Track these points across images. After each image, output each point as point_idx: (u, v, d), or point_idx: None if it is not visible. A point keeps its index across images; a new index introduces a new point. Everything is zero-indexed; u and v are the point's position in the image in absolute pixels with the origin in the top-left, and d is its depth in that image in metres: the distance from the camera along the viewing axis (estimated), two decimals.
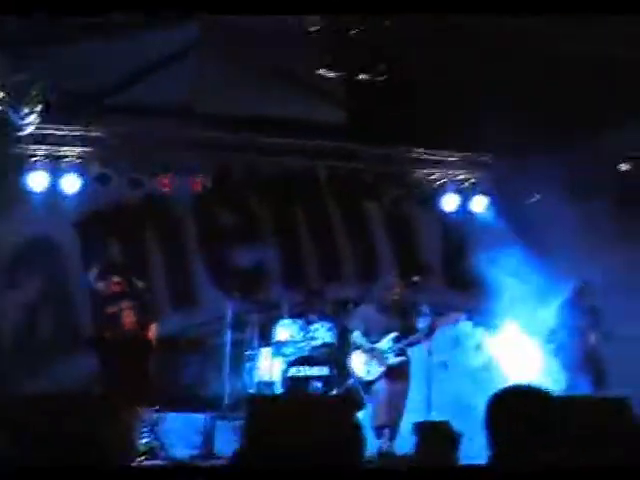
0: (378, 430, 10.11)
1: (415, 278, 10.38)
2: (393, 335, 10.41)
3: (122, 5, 8.15)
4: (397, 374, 10.32)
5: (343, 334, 12.05)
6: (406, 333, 10.41)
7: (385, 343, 10.42)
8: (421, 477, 3.42)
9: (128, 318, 9.68)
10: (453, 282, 13.15)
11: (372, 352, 10.42)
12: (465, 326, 11.43)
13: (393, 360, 10.35)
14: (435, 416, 9.94)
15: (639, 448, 8.23)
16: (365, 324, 10.56)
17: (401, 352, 10.39)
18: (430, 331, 10.25)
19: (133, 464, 7.97)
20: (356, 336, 10.60)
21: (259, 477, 3.61)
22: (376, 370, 10.36)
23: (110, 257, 10.94)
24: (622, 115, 10.19)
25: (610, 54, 9.19)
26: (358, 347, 10.55)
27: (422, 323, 10.39)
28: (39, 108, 9.83)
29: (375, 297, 10.76)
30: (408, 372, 10.38)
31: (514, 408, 3.44)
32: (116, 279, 9.80)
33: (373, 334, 10.51)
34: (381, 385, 10.27)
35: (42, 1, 7.84)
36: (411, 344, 10.41)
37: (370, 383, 10.37)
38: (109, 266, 10.11)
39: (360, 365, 10.49)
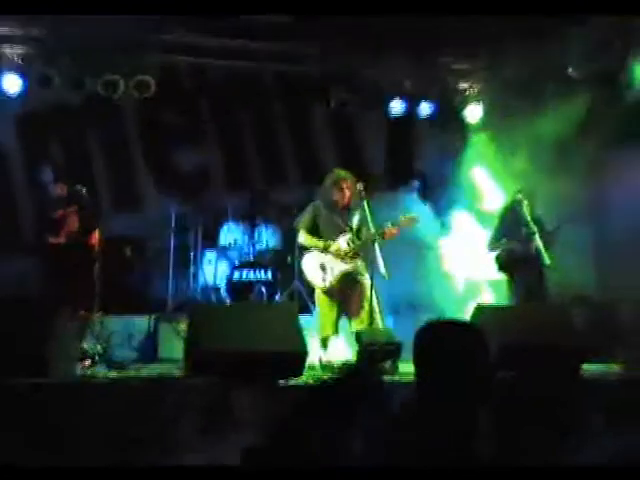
0: (324, 340, 9.58)
1: (359, 185, 9.85)
2: (347, 236, 9.67)
3: None
4: (352, 281, 9.57)
5: (287, 238, 12.12)
6: (359, 234, 9.64)
7: (339, 244, 9.65)
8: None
9: (72, 223, 9.65)
10: (398, 186, 13.08)
11: (325, 255, 9.65)
12: (421, 228, 11.10)
13: (348, 264, 9.61)
14: (384, 322, 9.83)
15: (579, 354, 8.42)
16: (312, 223, 9.81)
17: (355, 255, 9.63)
18: (384, 234, 9.38)
19: (78, 370, 8.08)
20: (303, 237, 9.85)
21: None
22: (331, 276, 9.56)
23: (55, 161, 10.74)
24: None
25: None
26: (308, 249, 9.81)
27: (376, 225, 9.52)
28: None
29: (321, 195, 9.90)
30: (363, 278, 9.54)
31: (435, 350, 3.37)
32: (61, 184, 9.73)
33: (324, 234, 9.77)
34: (334, 292, 9.58)
35: None
36: (365, 245, 9.54)
37: (324, 291, 9.60)
38: (54, 169, 9.99)
39: (314, 270, 9.69)
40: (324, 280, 9.58)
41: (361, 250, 9.66)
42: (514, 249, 10.43)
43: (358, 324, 9.40)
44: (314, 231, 9.81)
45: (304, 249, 9.92)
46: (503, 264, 10.65)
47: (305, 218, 9.88)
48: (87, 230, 9.49)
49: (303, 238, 9.85)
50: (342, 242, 9.66)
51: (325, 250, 9.65)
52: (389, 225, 9.48)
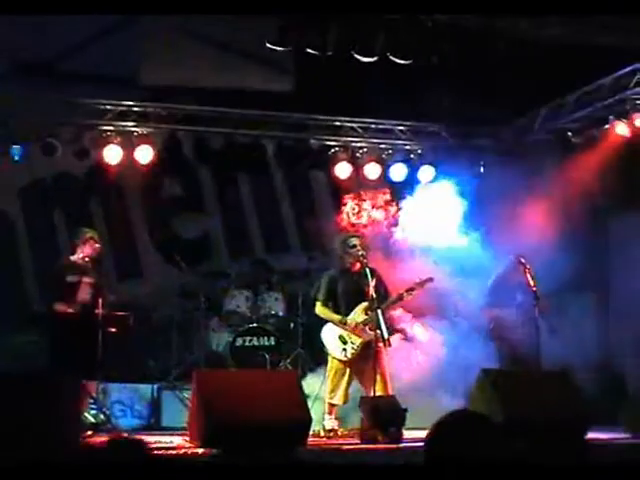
0: (332, 406, 9.51)
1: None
2: (364, 305, 9.51)
3: None
4: (369, 351, 9.25)
5: (290, 304, 12.13)
6: (379, 301, 9.30)
7: (358, 315, 9.54)
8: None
9: (84, 293, 9.69)
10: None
11: (345, 327, 9.53)
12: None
13: (366, 334, 9.42)
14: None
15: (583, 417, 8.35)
16: (329, 293, 9.71)
17: (377, 325, 9.18)
18: (400, 297, 9.52)
19: (81, 438, 8.03)
20: (320, 309, 9.75)
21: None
22: (351, 348, 9.47)
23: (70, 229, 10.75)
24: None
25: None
26: (328, 321, 9.66)
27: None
28: None
29: (336, 260, 9.92)
30: (382, 348, 9.31)
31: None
32: (78, 252, 9.83)
33: (342, 301, 9.68)
34: (350, 362, 9.48)
35: None
36: (384, 312, 9.29)
37: (343, 362, 9.49)
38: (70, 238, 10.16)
39: (334, 343, 9.56)
40: (344, 351, 9.50)
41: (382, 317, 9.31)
42: (506, 316, 10.42)
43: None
44: (332, 299, 9.72)
45: (324, 321, 9.75)
46: (494, 332, 10.63)
47: (321, 289, 9.80)
48: (96, 300, 9.51)
49: (320, 310, 9.75)
50: (360, 313, 9.55)
51: (342, 325, 9.55)
52: (407, 292, 9.55)
